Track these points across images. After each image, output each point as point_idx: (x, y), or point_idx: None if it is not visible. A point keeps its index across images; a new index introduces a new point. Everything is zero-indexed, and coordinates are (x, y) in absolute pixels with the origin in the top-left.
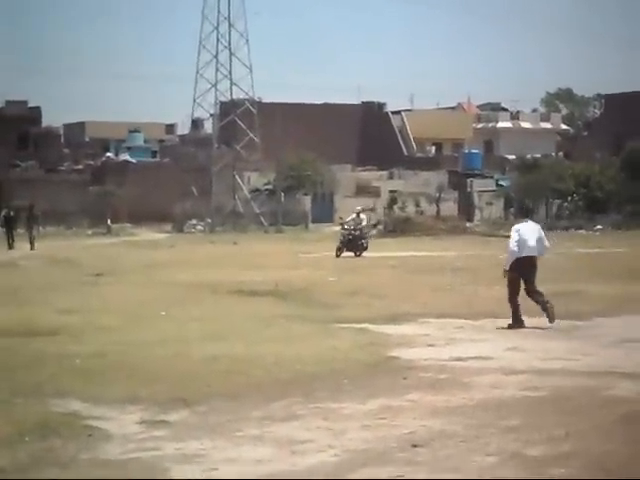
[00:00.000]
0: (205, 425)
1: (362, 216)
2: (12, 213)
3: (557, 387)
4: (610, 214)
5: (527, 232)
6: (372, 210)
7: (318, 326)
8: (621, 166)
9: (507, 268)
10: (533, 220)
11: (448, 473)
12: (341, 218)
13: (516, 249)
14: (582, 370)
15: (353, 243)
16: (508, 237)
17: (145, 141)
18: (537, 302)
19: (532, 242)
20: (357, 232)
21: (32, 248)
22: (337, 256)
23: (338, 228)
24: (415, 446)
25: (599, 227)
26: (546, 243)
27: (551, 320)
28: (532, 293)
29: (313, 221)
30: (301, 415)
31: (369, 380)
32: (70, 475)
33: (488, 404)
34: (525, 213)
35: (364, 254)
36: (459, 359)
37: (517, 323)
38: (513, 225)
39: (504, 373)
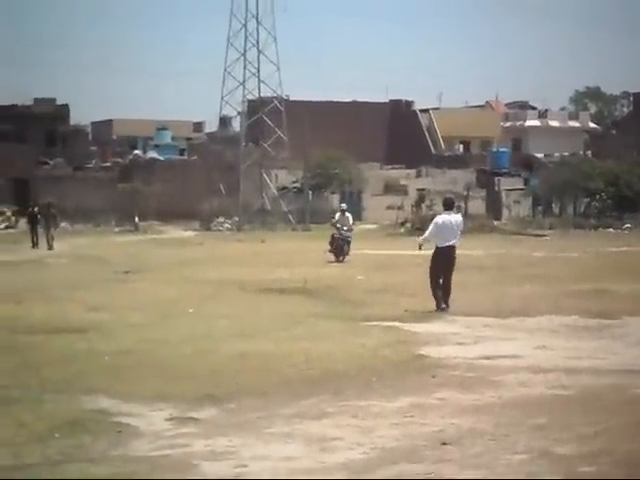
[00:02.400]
0: (234, 422)
1: (347, 214)
2: (37, 210)
3: (585, 386)
4: (639, 213)
5: (446, 223)
6: (400, 208)
7: (347, 324)
8: None
9: (420, 242)
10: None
11: (477, 471)
12: (333, 217)
13: (427, 236)
14: (610, 369)
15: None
16: (536, 235)
17: (173, 139)
18: (441, 290)
19: (450, 234)
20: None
21: (50, 248)
22: (341, 260)
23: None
24: (444, 444)
25: (628, 225)
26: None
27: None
28: (447, 282)
29: None
30: (330, 413)
31: (398, 378)
32: (101, 471)
33: (517, 402)
34: (449, 205)
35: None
36: (488, 357)
37: (438, 307)
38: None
39: (532, 371)
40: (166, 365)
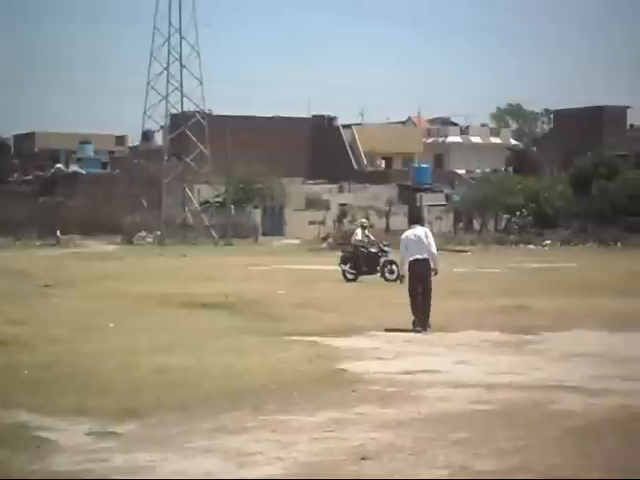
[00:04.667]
0: (154, 437)
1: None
2: None
3: (505, 401)
4: (559, 229)
5: (410, 237)
6: (322, 223)
7: (268, 339)
8: (569, 182)
9: (402, 273)
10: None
11: None
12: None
13: (403, 254)
14: (530, 384)
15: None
16: (456, 251)
17: (95, 152)
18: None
19: (415, 247)
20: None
21: None
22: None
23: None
24: (364, 459)
25: (548, 242)
26: (432, 250)
27: (421, 328)
28: (424, 300)
29: (263, 234)
30: (250, 427)
31: (318, 393)
32: None
33: (437, 417)
34: (414, 219)
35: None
36: (408, 372)
37: (413, 326)
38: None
39: (453, 386)
40: (86, 379)
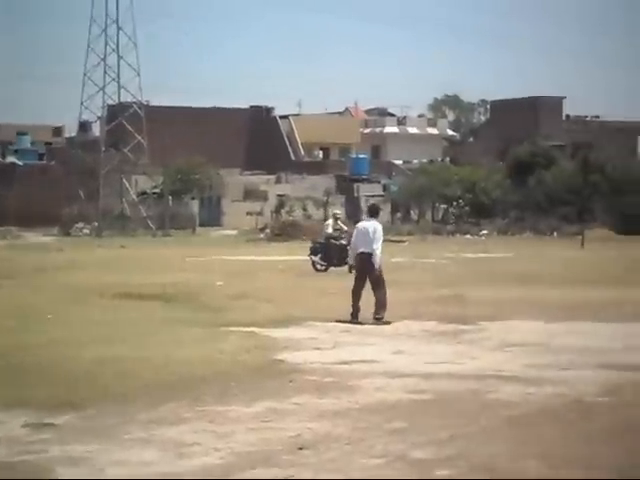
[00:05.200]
0: (92, 428)
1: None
2: None
3: (442, 390)
4: (496, 219)
5: (360, 229)
6: (260, 214)
7: (206, 330)
8: (506, 172)
9: (352, 263)
10: (376, 219)
11: (333, 475)
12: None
13: (353, 245)
14: (467, 373)
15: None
16: (394, 241)
17: (32, 143)
18: (375, 296)
19: (362, 240)
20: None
21: None
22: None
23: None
24: (301, 448)
25: (485, 232)
26: (374, 245)
27: (376, 315)
28: (373, 286)
29: (201, 225)
30: (188, 418)
31: (256, 383)
32: None
33: (374, 407)
34: (371, 212)
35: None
36: (345, 362)
37: (354, 318)
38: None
39: (390, 376)
40: (24, 371)
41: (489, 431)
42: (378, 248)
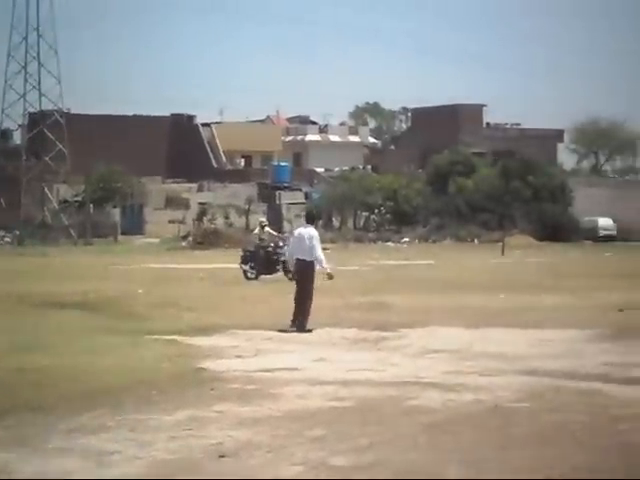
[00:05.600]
0: (12, 437)
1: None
2: None
3: (363, 397)
4: (417, 227)
5: (296, 236)
6: (182, 222)
7: (127, 338)
8: (427, 179)
9: (291, 269)
10: (316, 227)
11: None
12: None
13: (290, 253)
14: (388, 380)
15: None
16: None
17: None
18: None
19: (298, 247)
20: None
21: None
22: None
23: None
24: (222, 456)
25: (406, 239)
26: (315, 252)
27: (292, 326)
28: (300, 294)
29: (123, 233)
30: (109, 427)
31: (177, 391)
32: None
33: (295, 415)
34: (307, 218)
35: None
36: (267, 370)
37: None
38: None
39: (311, 384)
40: None
41: (408, 437)
42: (321, 254)
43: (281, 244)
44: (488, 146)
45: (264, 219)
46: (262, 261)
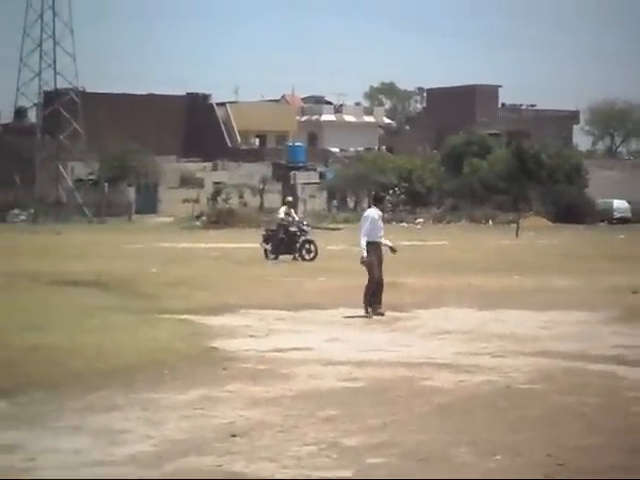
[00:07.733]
0: (24, 415)
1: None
2: None
3: (376, 378)
4: (431, 207)
5: (372, 219)
6: (196, 201)
7: (139, 317)
8: (442, 160)
9: (365, 253)
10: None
11: (266, 462)
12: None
13: (366, 235)
14: (401, 361)
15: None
16: (330, 229)
17: None
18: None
19: (378, 227)
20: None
21: None
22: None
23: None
24: (234, 436)
25: (420, 220)
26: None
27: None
28: (381, 278)
29: (137, 212)
30: (121, 405)
31: (189, 371)
32: None
33: (307, 395)
34: (376, 200)
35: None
36: (279, 350)
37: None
38: (363, 215)
39: (323, 364)
40: None
41: (420, 418)
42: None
43: (305, 224)
44: (503, 127)
45: (291, 198)
46: (284, 241)
